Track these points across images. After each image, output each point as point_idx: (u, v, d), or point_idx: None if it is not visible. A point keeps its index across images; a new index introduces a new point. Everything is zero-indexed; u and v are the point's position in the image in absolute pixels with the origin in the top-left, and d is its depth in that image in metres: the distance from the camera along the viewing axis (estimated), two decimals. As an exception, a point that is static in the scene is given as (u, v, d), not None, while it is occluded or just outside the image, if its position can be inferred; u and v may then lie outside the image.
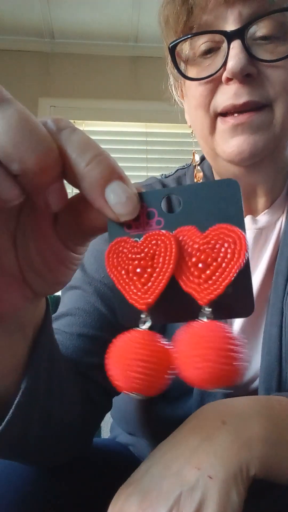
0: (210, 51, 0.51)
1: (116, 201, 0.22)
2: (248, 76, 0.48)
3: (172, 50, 0.52)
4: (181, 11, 0.50)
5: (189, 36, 0.50)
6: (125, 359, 0.22)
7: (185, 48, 0.52)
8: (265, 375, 0.54)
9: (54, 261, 0.26)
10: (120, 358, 0.22)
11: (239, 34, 0.47)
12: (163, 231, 0.23)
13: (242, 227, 0.22)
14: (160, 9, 0.55)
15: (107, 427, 0.92)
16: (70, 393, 0.43)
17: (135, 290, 0.24)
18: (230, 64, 0.47)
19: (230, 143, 0.50)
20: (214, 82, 0.50)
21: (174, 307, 0.24)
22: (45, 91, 2.47)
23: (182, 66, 0.55)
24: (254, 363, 0.57)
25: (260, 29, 0.48)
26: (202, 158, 0.64)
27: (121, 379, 0.22)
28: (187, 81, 0.53)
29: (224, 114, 0.51)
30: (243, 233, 0.22)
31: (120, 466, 0.60)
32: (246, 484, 0.33)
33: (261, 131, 0.50)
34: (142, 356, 0.22)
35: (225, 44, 0.48)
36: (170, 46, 0.51)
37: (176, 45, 0.51)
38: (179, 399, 0.59)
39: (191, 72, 0.53)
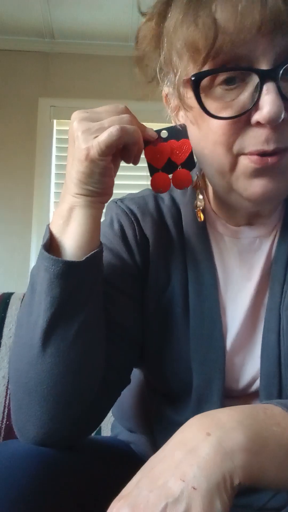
0: (231, 81, 0.46)
1: (148, 132, 0.53)
2: (282, 120, 0.45)
3: (196, 83, 0.46)
4: (204, 39, 0.44)
5: (220, 71, 0.45)
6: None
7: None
8: (265, 381, 0.55)
9: (116, 166, 0.53)
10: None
11: (274, 74, 0.43)
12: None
13: (188, 139, 0.53)
14: (172, 23, 0.47)
15: (107, 427, 0.92)
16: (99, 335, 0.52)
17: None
18: (266, 111, 0.44)
19: (253, 183, 0.48)
20: (240, 121, 0.46)
21: (171, 166, 0.54)
22: (45, 91, 2.48)
23: (193, 97, 0.49)
24: (250, 368, 0.58)
25: None
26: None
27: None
28: (205, 113, 0.48)
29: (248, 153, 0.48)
30: (189, 141, 0.53)
31: (122, 463, 0.60)
32: (230, 493, 0.34)
33: (285, 173, 0.49)
34: None
35: (253, 81, 0.45)
36: (193, 78, 0.46)
37: (201, 79, 0.46)
38: (178, 399, 0.60)
39: (209, 103, 0.47)
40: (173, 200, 0.63)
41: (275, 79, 0.44)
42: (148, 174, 0.55)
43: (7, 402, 0.93)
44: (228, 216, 0.59)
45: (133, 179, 2.10)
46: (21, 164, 2.40)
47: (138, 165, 0.54)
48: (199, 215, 0.58)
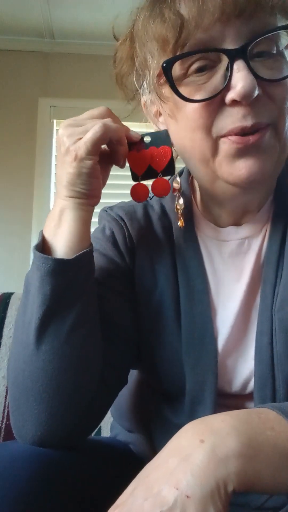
0: (203, 69, 0.48)
1: (132, 133, 0.56)
2: (256, 97, 0.46)
3: (167, 69, 0.48)
4: (171, 28, 0.47)
5: (188, 54, 0.47)
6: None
7: (174, 67, 0.48)
8: (259, 384, 0.55)
9: (106, 171, 0.58)
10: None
11: (242, 53, 0.45)
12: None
13: (169, 145, 0.56)
14: (141, 23, 0.51)
15: (107, 427, 0.92)
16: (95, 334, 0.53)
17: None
18: (240, 86, 0.44)
19: (238, 165, 0.48)
20: (214, 102, 0.47)
21: (152, 173, 0.57)
22: (45, 91, 2.48)
23: (168, 87, 0.50)
24: (243, 370, 0.58)
25: (257, 46, 0.46)
26: (179, 173, 0.64)
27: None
28: (180, 102, 0.50)
29: (228, 134, 0.48)
30: (170, 148, 0.56)
31: (120, 463, 0.61)
32: (224, 500, 0.34)
33: (269, 152, 0.48)
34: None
35: (223, 63, 0.46)
36: (164, 65, 0.48)
37: (171, 64, 0.47)
38: (175, 399, 0.60)
39: (182, 90, 0.49)
40: (163, 208, 0.64)
41: (245, 57, 0.45)
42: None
43: (7, 402, 0.93)
44: (215, 217, 0.60)
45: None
46: (21, 164, 2.39)
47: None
48: (179, 220, 0.59)
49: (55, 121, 2.48)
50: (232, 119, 0.47)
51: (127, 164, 0.58)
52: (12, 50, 2.48)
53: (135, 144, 0.57)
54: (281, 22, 0.48)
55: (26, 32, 2.41)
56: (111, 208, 0.67)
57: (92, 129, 0.50)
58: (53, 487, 0.45)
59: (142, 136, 0.57)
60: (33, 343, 0.48)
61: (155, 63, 0.51)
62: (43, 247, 0.52)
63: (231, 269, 0.59)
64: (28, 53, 2.49)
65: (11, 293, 1.05)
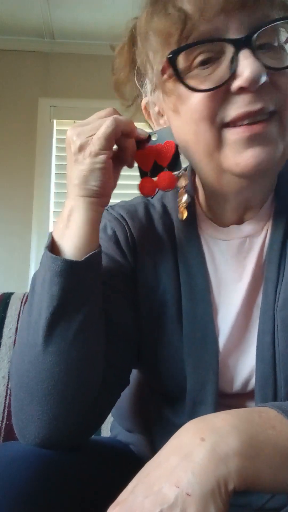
0: (207, 62, 0.48)
1: (139, 131, 0.56)
2: (261, 84, 0.46)
3: (173, 60, 0.48)
4: (176, 20, 0.47)
5: (196, 44, 0.47)
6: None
7: (178, 61, 0.49)
8: (261, 383, 0.54)
9: (117, 173, 0.57)
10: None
11: (247, 42, 0.46)
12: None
13: (174, 140, 0.55)
14: (144, 20, 0.52)
15: (107, 428, 0.92)
16: (99, 335, 0.53)
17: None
18: (249, 72, 0.45)
19: (245, 154, 0.48)
20: (219, 92, 0.48)
21: (158, 168, 0.57)
22: (45, 91, 2.48)
23: (172, 80, 0.51)
24: (244, 369, 0.58)
25: (259, 38, 0.47)
26: (184, 169, 0.63)
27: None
28: (184, 95, 0.50)
29: (233, 124, 0.49)
30: (174, 142, 0.55)
31: (121, 464, 0.61)
32: (225, 498, 0.34)
33: (274, 142, 0.48)
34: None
35: (227, 55, 0.47)
36: (169, 56, 0.48)
37: (177, 55, 0.48)
38: (176, 400, 0.60)
39: (187, 83, 0.49)
40: (164, 207, 0.64)
41: (250, 45, 0.46)
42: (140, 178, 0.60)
43: (7, 402, 0.93)
44: (218, 215, 0.60)
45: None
46: (21, 164, 2.40)
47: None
48: (181, 211, 0.59)
49: (55, 121, 2.48)
50: (238, 105, 0.47)
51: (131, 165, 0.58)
52: (12, 50, 2.48)
53: (142, 142, 0.57)
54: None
55: (26, 32, 2.41)
56: (112, 207, 0.66)
57: (104, 124, 0.52)
58: (53, 487, 0.45)
59: (149, 135, 0.57)
60: (40, 344, 0.48)
61: (158, 58, 0.51)
62: (52, 248, 0.52)
63: (232, 268, 0.59)
64: (28, 53, 2.49)
65: (11, 293, 1.05)
